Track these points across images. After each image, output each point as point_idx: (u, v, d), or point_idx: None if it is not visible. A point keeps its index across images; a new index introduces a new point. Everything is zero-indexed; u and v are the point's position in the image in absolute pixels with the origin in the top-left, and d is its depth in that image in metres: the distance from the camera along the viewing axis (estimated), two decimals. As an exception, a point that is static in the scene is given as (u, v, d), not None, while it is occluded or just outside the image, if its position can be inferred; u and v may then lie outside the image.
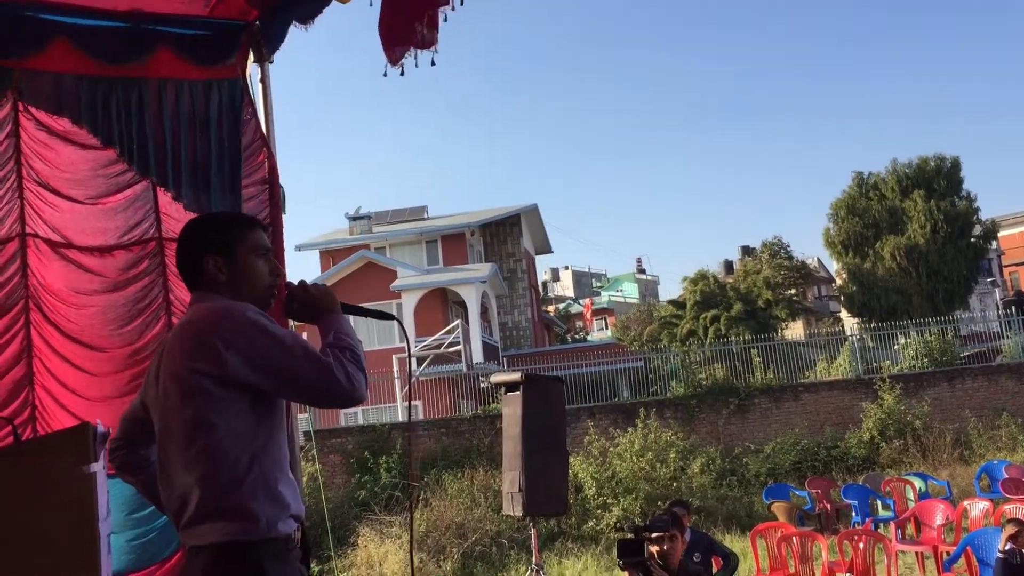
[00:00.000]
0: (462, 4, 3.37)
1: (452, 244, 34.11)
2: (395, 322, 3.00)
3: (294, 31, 4.09)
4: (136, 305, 4.09)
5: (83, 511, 2.95)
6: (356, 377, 2.39)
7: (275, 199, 4.21)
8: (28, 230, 3.96)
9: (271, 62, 4.31)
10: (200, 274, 2.55)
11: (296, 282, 2.66)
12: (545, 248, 42.47)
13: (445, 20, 3.43)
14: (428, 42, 3.39)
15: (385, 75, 3.58)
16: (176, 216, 4.13)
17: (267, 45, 4.24)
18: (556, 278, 72.21)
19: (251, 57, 4.31)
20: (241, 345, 2.34)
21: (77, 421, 3.91)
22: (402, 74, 3.58)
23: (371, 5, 3.60)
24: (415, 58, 3.49)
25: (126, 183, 4.03)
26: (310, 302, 2.59)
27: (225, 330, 2.36)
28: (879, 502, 14.10)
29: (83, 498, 2.95)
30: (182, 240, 2.62)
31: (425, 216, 37.81)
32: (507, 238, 36.69)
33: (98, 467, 2.99)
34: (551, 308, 57.43)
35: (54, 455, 3.07)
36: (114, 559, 3.84)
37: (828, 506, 15.11)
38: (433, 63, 3.51)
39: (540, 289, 48.00)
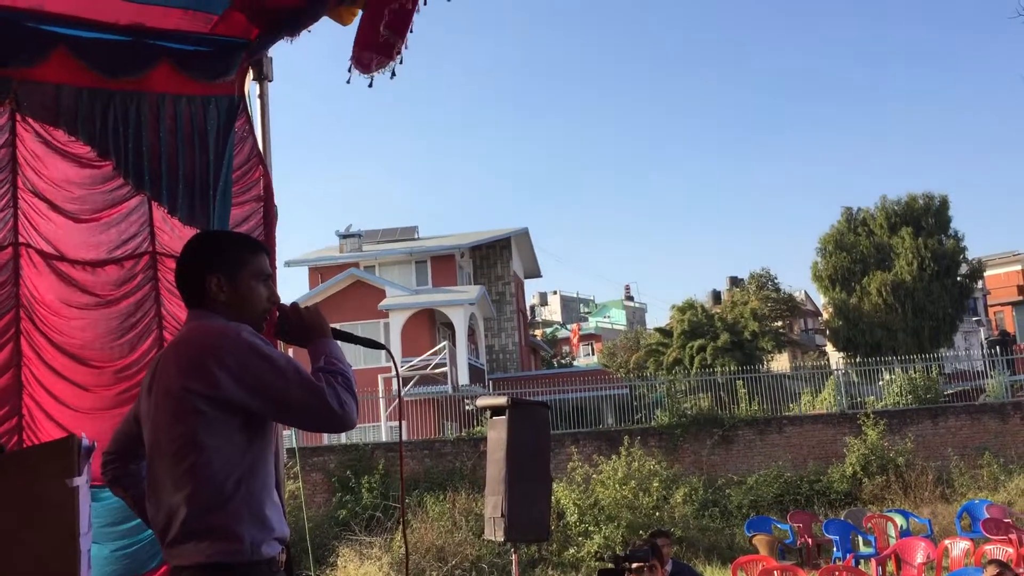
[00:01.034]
0: (425, 3, 3.35)
1: (442, 265, 34.12)
2: (383, 346, 3.00)
3: (285, 49, 4.11)
4: (128, 319, 4.08)
5: (64, 525, 2.93)
6: (347, 402, 2.38)
7: (270, 217, 4.22)
8: (21, 239, 3.95)
9: (270, 80, 4.33)
10: (201, 292, 2.55)
11: (289, 304, 2.66)
12: (534, 272, 42.54)
13: (411, 32, 3.40)
14: (393, 48, 3.38)
15: (348, 82, 3.57)
16: (169, 231, 4.12)
17: (251, 56, 4.24)
18: (544, 302, 72.27)
19: (250, 75, 4.32)
20: (235, 366, 2.34)
21: (64, 432, 3.89)
22: (370, 85, 3.56)
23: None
24: (392, 73, 3.47)
25: (121, 198, 4.03)
26: (302, 325, 2.60)
27: (220, 350, 2.36)
28: (860, 538, 14.09)
29: (65, 512, 2.93)
30: (186, 256, 2.62)
31: (416, 236, 37.83)
32: (497, 261, 36.74)
33: (81, 481, 2.97)
34: (538, 332, 57.42)
35: (38, 467, 3.05)
36: (98, 570, 3.82)
37: (810, 540, 15.11)
38: (393, 74, 3.50)
39: (528, 313, 48.01)
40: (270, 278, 2.66)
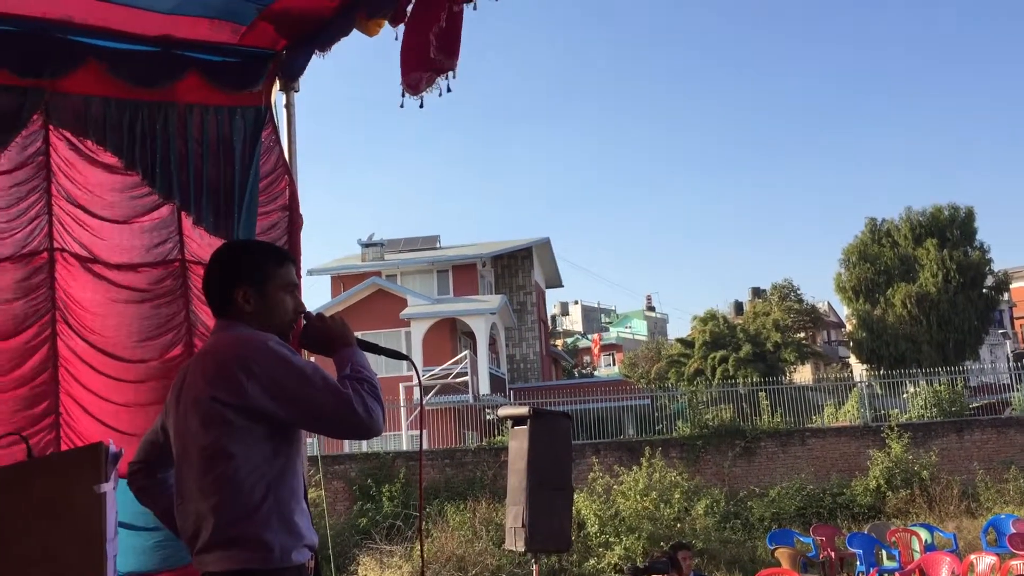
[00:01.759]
0: (475, 8, 3.29)
1: (463, 274, 34.19)
2: (406, 357, 3.01)
3: (313, 60, 4.13)
4: (159, 321, 4.15)
5: (91, 531, 2.96)
6: (374, 409, 2.41)
7: (294, 226, 4.25)
8: (56, 245, 4.03)
9: (297, 91, 4.37)
10: (228, 302, 2.57)
11: (315, 314, 2.68)
12: (555, 282, 42.53)
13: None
14: (446, 67, 3.38)
15: (402, 106, 3.56)
16: (198, 240, 4.17)
17: (287, 74, 4.27)
18: (565, 312, 72.20)
19: (277, 85, 4.36)
20: (262, 375, 2.36)
21: (102, 426, 3.98)
22: (421, 106, 3.55)
23: (396, 39, 3.64)
24: (440, 92, 3.47)
25: (152, 205, 4.09)
26: (327, 335, 2.62)
27: (247, 360, 2.39)
28: (884, 552, 13.96)
29: (92, 518, 2.96)
30: (213, 266, 2.65)
31: (437, 245, 37.93)
32: (518, 270, 36.77)
33: (108, 487, 3.00)
34: (559, 342, 57.36)
35: (65, 473, 3.08)
36: (138, 559, 3.86)
37: (832, 554, 14.97)
38: (450, 89, 3.48)
39: (549, 323, 47.98)
40: (296, 288, 2.69)
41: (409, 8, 3.50)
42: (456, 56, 3.36)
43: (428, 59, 3.33)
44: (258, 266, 2.61)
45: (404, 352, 3.02)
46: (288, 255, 2.78)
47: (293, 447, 2.49)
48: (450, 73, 3.41)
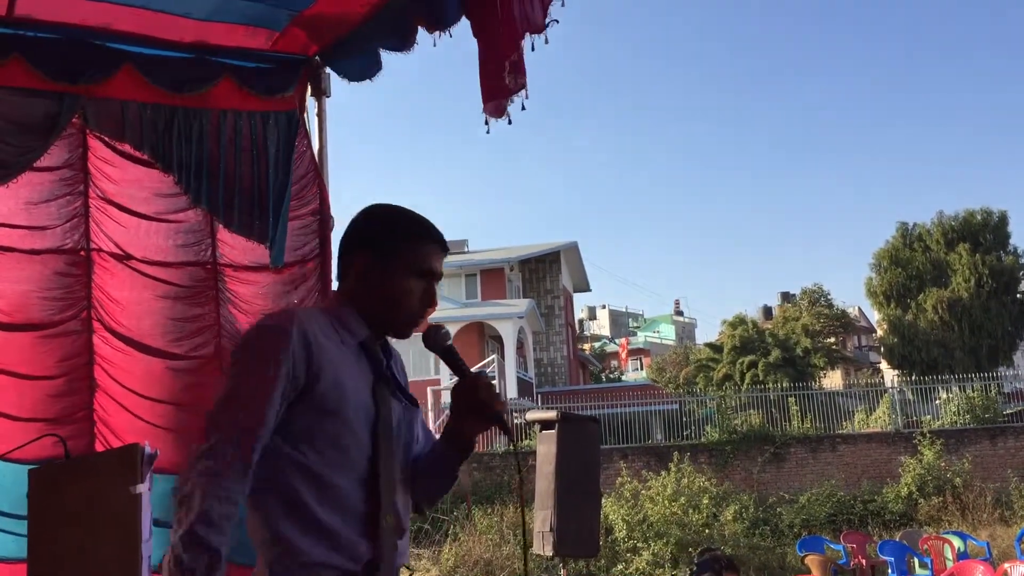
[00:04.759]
0: (546, 42, 3.34)
1: (491, 279, 34.22)
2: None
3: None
4: (190, 320, 4.22)
5: (127, 531, 3.00)
6: (222, 451, 1.89)
7: (326, 230, 4.28)
8: (92, 245, 4.11)
9: (328, 96, 4.40)
10: (342, 269, 2.18)
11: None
12: (583, 286, 42.46)
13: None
14: (517, 88, 3.39)
15: (488, 132, 3.50)
16: (231, 243, 4.22)
17: (355, 77, 4.21)
18: (593, 316, 72.11)
19: (308, 90, 4.40)
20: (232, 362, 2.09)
21: (136, 420, 4.05)
22: (509, 123, 3.48)
23: (435, 46, 3.65)
24: (507, 111, 3.46)
25: (187, 204, 4.16)
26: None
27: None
28: (916, 560, 13.81)
29: (128, 518, 3.00)
30: (349, 226, 2.25)
31: (465, 250, 38.00)
32: (546, 275, 36.76)
33: (144, 488, 3.03)
34: (587, 346, 57.24)
35: (102, 474, 3.13)
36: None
37: (863, 562, 14.83)
38: (524, 107, 3.42)
39: (577, 327, 47.90)
40: (434, 278, 2.18)
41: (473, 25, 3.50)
42: (525, 75, 3.37)
43: (504, 87, 3.36)
44: (388, 234, 2.15)
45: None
46: (438, 237, 2.21)
47: (324, 438, 2.02)
48: (523, 92, 3.41)
